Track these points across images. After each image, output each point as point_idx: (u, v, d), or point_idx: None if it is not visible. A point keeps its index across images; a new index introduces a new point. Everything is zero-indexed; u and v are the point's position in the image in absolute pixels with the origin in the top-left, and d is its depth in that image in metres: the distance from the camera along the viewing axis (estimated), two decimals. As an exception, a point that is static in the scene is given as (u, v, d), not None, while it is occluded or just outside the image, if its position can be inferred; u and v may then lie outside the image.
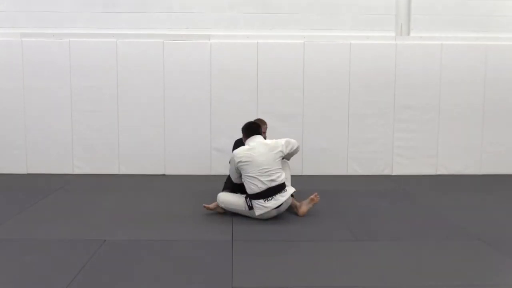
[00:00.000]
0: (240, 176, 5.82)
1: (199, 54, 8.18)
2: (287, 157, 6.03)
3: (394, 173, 8.45)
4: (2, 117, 8.20)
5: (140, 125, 8.25)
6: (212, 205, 5.93)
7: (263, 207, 5.58)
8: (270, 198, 5.58)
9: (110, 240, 4.97)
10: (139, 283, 3.98)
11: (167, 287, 3.94)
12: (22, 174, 8.25)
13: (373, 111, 8.33)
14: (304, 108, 8.29)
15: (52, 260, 4.46)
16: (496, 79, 8.38)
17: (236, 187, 6.06)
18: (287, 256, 4.63)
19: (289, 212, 5.95)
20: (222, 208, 5.89)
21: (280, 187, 5.65)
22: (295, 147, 5.98)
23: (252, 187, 5.62)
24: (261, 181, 5.58)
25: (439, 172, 8.49)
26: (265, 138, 6.11)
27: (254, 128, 5.99)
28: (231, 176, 5.98)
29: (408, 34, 8.46)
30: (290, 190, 5.74)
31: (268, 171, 5.61)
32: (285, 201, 5.65)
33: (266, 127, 6.75)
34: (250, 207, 5.66)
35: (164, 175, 8.32)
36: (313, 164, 8.36)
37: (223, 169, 7.58)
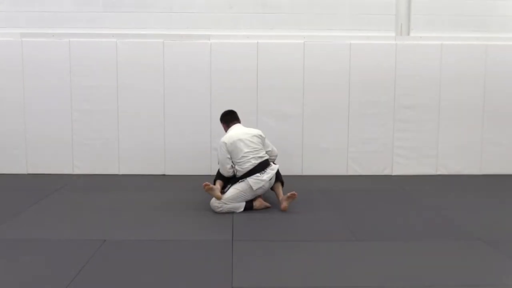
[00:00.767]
0: (231, 165, 6.17)
1: (199, 54, 8.16)
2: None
3: (394, 173, 8.44)
4: (2, 117, 8.19)
5: (140, 125, 8.23)
6: (214, 187, 6.11)
7: (260, 180, 6.04)
8: (263, 172, 6.10)
9: (110, 240, 4.97)
10: (139, 283, 3.98)
11: (167, 287, 3.93)
12: (22, 174, 8.23)
13: (373, 111, 8.32)
14: (304, 108, 8.28)
15: (52, 260, 4.46)
16: (496, 79, 8.36)
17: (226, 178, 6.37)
18: (287, 256, 4.63)
19: (288, 212, 5.96)
20: (218, 204, 6.02)
21: (267, 162, 6.23)
22: (274, 151, 6.55)
23: (247, 165, 6.08)
24: (254, 157, 6.10)
25: (439, 172, 8.47)
26: None
27: (232, 114, 6.62)
28: (223, 167, 6.24)
29: (408, 34, 8.44)
30: (275, 165, 6.30)
31: (256, 150, 6.16)
32: (274, 173, 6.20)
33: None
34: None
35: (164, 175, 8.30)
36: (313, 164, 8.35)
37: (223, 169, 7.56)
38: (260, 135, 6.33)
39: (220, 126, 7.90)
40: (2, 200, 6.63)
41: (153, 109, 8.22)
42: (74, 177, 8.04)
